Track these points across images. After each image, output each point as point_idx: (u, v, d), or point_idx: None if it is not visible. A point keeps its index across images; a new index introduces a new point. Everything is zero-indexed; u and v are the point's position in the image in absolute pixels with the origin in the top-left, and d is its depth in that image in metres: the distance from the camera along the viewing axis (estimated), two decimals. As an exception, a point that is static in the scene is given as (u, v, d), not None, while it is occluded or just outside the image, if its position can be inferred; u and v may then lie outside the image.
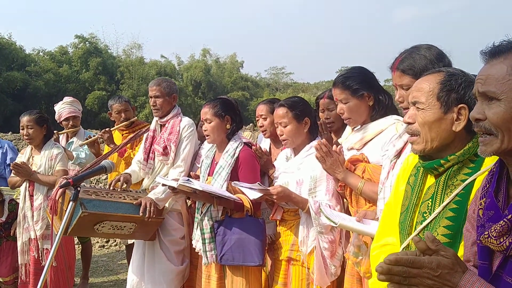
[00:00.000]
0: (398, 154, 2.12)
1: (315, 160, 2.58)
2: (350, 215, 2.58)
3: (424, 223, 1.56)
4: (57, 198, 3.18)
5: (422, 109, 1.59)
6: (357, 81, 2.47)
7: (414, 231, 1.59)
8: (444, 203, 1.52)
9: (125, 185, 3.44)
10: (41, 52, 31.40)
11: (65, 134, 4.91)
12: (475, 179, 1.49)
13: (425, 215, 1.58)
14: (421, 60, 2.02)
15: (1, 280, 4.13)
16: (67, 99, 4.98)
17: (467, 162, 1.55)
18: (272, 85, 41.84)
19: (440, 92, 1.57)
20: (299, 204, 2.69)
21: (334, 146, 2.55)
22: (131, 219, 3.19)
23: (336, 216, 2.38)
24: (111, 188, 3.42)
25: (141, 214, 3.19)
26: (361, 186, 2.39)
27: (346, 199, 2.61)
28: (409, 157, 1.81)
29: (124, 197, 3.29)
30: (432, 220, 1.55)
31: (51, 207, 3.18)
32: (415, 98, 1.62)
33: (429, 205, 1.58)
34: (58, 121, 4.91)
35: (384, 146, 2.31)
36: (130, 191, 3.50)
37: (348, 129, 2.71)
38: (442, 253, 1.17)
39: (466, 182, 1.50)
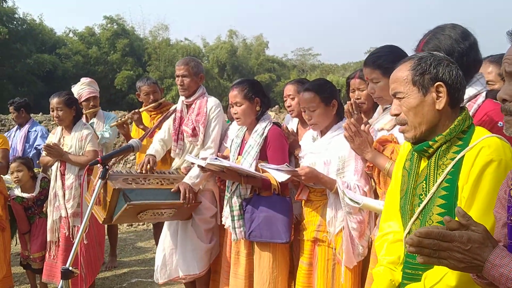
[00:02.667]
0: None
1: (343, 140, 2.55)
2: (378, 197, 2.56)
3: (422, 205, 1.60)
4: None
5: (403, 97, 1.64)
6: (389, 60, 2.41)
7: (414, 214, 1.64)
8: (438, 182, 1.56)
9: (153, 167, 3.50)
10: (71, 32, 31.90)
11: (84, 115, 4.96)
12: (463, 156, 1.53)
13: (421, 197, 1.62)
14: (446, 40, 1.99)
15: (31, 257, 4.26)
16: (85, 79, 5.01)
17: (455, 140, 1.59)
18: (299, 66, 41.46)
19: (414, 77, 1.61)
20: (327, 184, 2.68)
21: (363, 125, 2.52)
22: (172, 205, 3.28)
23: (360, 198, 2.37)
24: (138, 170, 3.48)
25: (181, 201, 3.25)
26: (388, 166, 2.35)
27: (374, 180, 2.59)
28: (405, 144, 1.84)
29: (161, 182, 3.36)
30: (428, 201, 1.58)
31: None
32: (394, 90, 1.67)
33: (423, 187, 1.62)
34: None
35: None
36: (164, 172, 3.55)
37: (379, 109, 2.67)
38: (473, 228, 1.18)
39: (456, 159, 1.54)
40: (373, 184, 2.67)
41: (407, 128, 1.65)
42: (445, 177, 1.55)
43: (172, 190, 3.29)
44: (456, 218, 1.20)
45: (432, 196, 1.58)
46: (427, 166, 1.62)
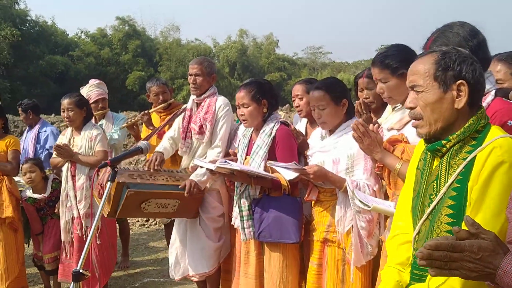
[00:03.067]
0: None
1: (352, 138, 2.53)
2: (388, 198, 2.54)
3: (431, 206, 1.56)
4: (104, 183, 3.25)
5: (422, 91, 1.57)
6: (397, 59, 2.39)
7: (424, 214, 1.60)
8: (448, 183, 1.52)
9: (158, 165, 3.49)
10: (83, 33, 32.26)
11: (94, 116, 4.99)
12: (475, 156, 1.48)
13: (431, 197, 1.58)
14: (454, 38, 1.97)
15: (44, 258, 4.29)
16: (93, 81, 5.02)
17: (468, 140, 1.54)
18: (310, 65, 41.36)
19: (436, 72, 1.55)
20: (336, 183, 2.66)
21: (371, 125, 2.49)
22: (174, 195, 3.28)
23: (371, 200, 2.34)
24: (145, 168, 3.48)
25: (186, 194, 3.25)
26: (398, 167, 2.32)
27: (384, 181, 2.56)
28: (420, 142, 1.79)
29: (167, 179, 3.36)
30: (438, 201, 1.54)
31: (99, 192, 3.26)
32: (412, 82, 1.60)
33: (434, 187, 1.58)
34: None
35: None
36: (171, 171, 3.56)
37: (388, 109, 2.64)
38: (483, 236, 1.16)
39: (467, 159, 1.49)
40: (383, 183, 2.65)
41: (422, 123, 1.60)
42: (456, 178, 1.51)
43: (180, 186, 3.30)
44: (464, 225, 1.18)
45: (442, 197, 1.54)
46: (439, 166, 1.58)
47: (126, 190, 3.06)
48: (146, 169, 3.49)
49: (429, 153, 1.65)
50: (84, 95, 4.82)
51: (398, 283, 1.71)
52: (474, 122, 1.54)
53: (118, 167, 3.19)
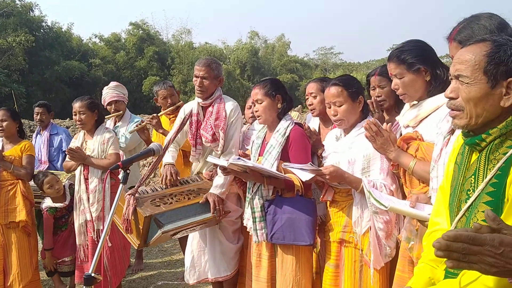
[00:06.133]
0: (452, 131, 1.99)
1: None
2: (405, 197, 2.48)
3: (469, 202, 1.47)
4: (129, 218, 3.15)
5: (467, 83, 1.46)
6: (413, 54, 2.34)
7: (461, 210, 1.51)
8: (487, 178, 1.42)
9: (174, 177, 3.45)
10: (97, 37, 32.58)
11: (113, 118, 4.99)
12: None
13: (469, 192, 1.49)
14: (480, 31, 1.88)
15: (60, 260, 4.33)
16: (112, 84, 5.04)
17: (510, 134, 1.43)
18: (321, 66, 41.25)
19: (488, 66, 1.42)
20: (352, 184, 2.61)
21: (385, 124, 2.44)
22: (203, 222, 3.26)
23: (386, 199, 2.28)
24: (164, 186, 3.43)
25: (212, 214, 3.22)
26: (412, 165, 2.28)
27: (401, 179, 2.50)
28: (459, 136, 1.69)
29: (188, 196, 3.31)
30: (476, 197, 1.45)
31: (126, 228, 3.19)
32: (458, 72, 1.48)
33: (472, 182, 1.49)
34: (104, 106, 4.94)
35: (439, 123, 2.18)
36: (187, 181, 3.50)
37: (406, 106, 2.59)
38: (505, 231, 1.12)
39: (508, 154, 1.39)
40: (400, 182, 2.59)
41: (461, 115, 1.49)
42: (495, 173, 1.42)
43: (200, 201, 3.25)
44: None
45: (480, 193, 1.45)
46: (477, 160, 1.49)
47: (158, 230, 3.03)
48: (164, 186, 3.41)
49: (467, 147, 1.56)
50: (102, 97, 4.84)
51: (430, 280, 1.64)
52: None
53: (138, 191, 3.20)
